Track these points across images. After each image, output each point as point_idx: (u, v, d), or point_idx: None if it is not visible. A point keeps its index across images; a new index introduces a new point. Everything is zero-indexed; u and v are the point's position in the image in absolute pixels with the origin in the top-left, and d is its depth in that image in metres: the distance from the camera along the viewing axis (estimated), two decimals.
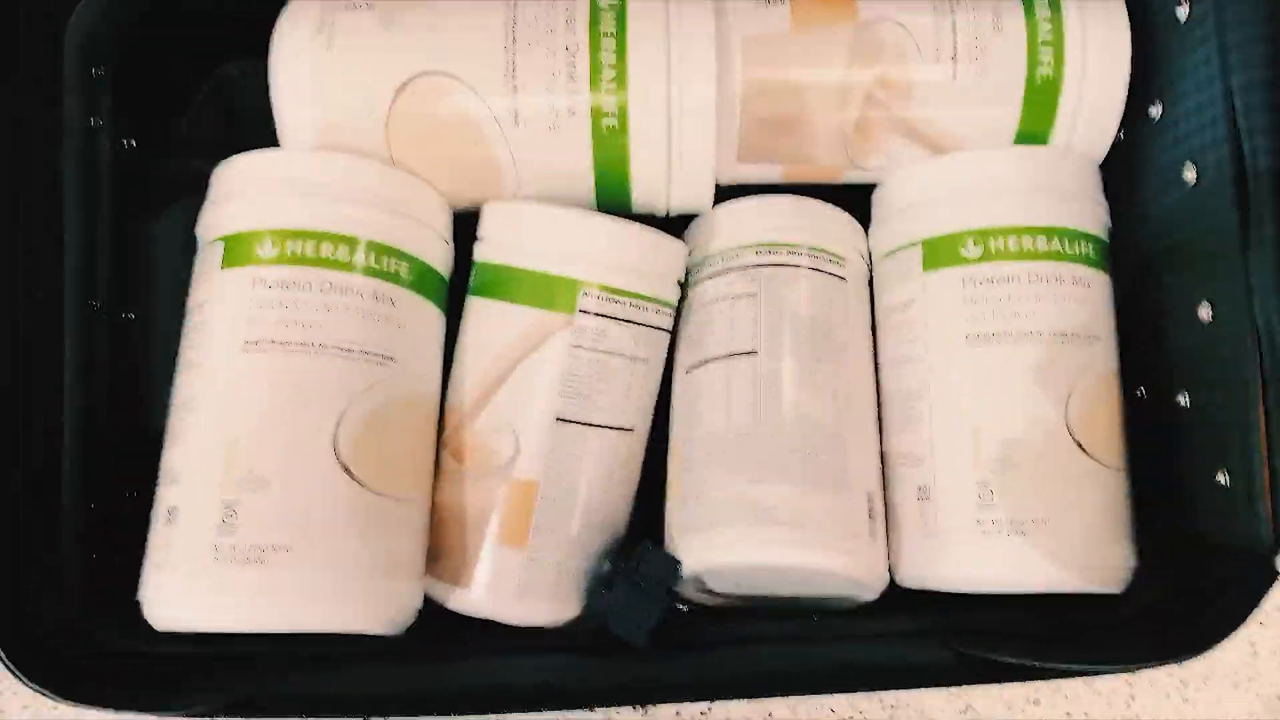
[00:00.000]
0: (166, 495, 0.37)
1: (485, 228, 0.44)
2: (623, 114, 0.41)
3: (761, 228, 0.45)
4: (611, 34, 0.41)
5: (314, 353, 0.38)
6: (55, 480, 0.42)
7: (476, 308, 0.43)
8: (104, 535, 0.44)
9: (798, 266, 0.44)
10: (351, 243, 0.39)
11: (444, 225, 0.44)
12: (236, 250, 0.39)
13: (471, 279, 0.44)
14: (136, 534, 0.45)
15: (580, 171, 0.43)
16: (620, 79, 0.41)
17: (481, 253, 0.44)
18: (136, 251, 0.48)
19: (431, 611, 0.42)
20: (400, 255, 0.40)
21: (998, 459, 0.40)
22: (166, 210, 0.49)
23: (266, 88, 0.51)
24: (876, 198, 0.47)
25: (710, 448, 0.42)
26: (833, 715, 0.52)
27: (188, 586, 0.35)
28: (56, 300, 0.43)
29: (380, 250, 0.40)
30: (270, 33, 0.48)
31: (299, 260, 0.38)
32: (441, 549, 0.42)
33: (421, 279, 0.42)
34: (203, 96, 0.52)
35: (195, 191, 0.50)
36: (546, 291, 0.42)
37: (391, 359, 0.39)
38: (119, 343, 0.47)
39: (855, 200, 0.47)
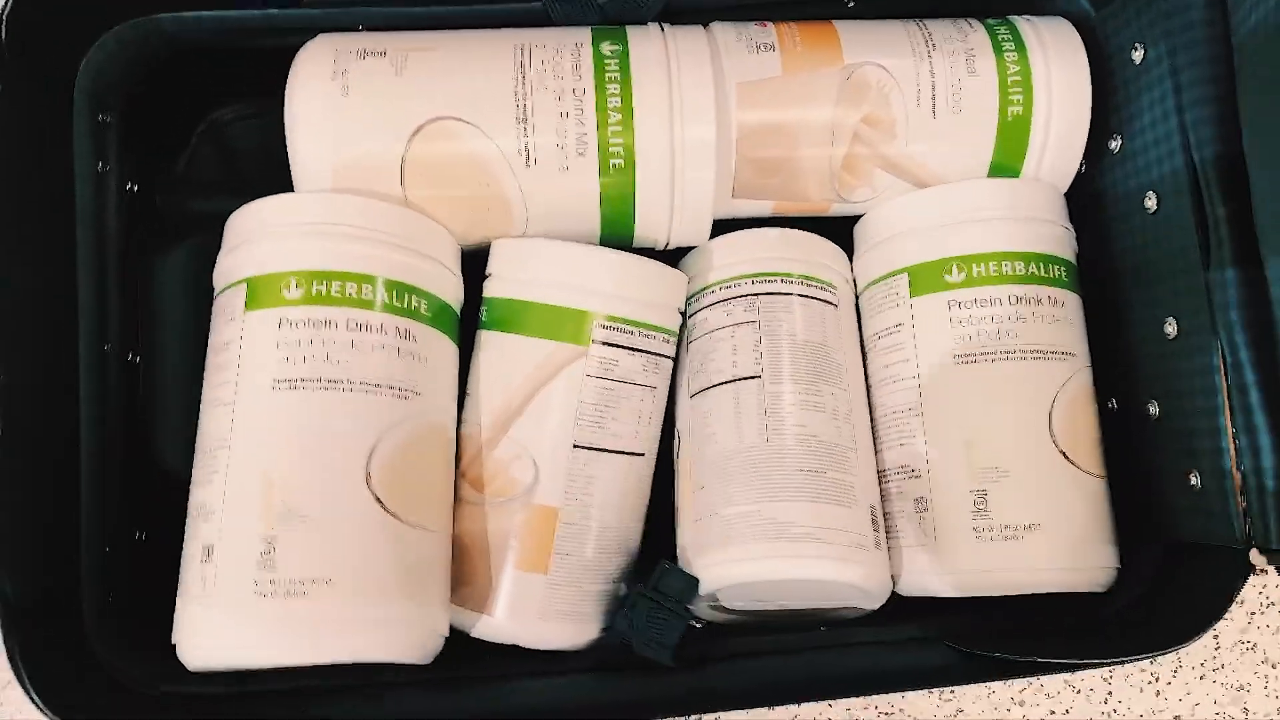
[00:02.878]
0: (200, 533, 0.38)
1: (496, 264, 0.46)
2: (629, 154, 0.43)
3: (757, 258, 0.47)
4: (616, 79, 0.43)
5: (343, 389, 0.39)
6: (74, 524, 0.42)
7: (490, 341, 0.45)
8: (120, 577, 0.44)
9: (793, 294, 0.47)
10: (374, 282, 0.41)
11: (455, 262, 0.45)
12: (262, 292, 0.40)
13: (483, 314, 0.46)
14: (149, 575, 0.45)
15: (588, 209, 0.45)
16: (626, 121, 0.43)
17: (493, 288, 0.46)
18: (141, 294, 0.49)
19: (453, 639, 0.43)
20: (419, 293, 0.42)
21: (990, 469, 0.43)
22: (168, 252, 0.50)
23: (260, 129, 0.53)
24: (860, 229, 0.50)
25: (722, 468, 0.44)
26: None
27: (229, 622, 0.36)
28: (72, 343, 0.43)
29: (401, 288, 0.41)
30: (262, 76, 0.50)
31: (324, 300, 0.40)
32: (462, 577, 0.43)
33: (439, 314, 0.43)
34: (197, 139, 0.53)
35: (194, 233, 0.51)
36: (561, 324, 0.43)
37: (416, 393, 0.41)
38: (129, 385, 0.47)
39: (832, 232, 0.50)
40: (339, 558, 0.37)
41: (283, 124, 0.44)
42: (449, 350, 0.44)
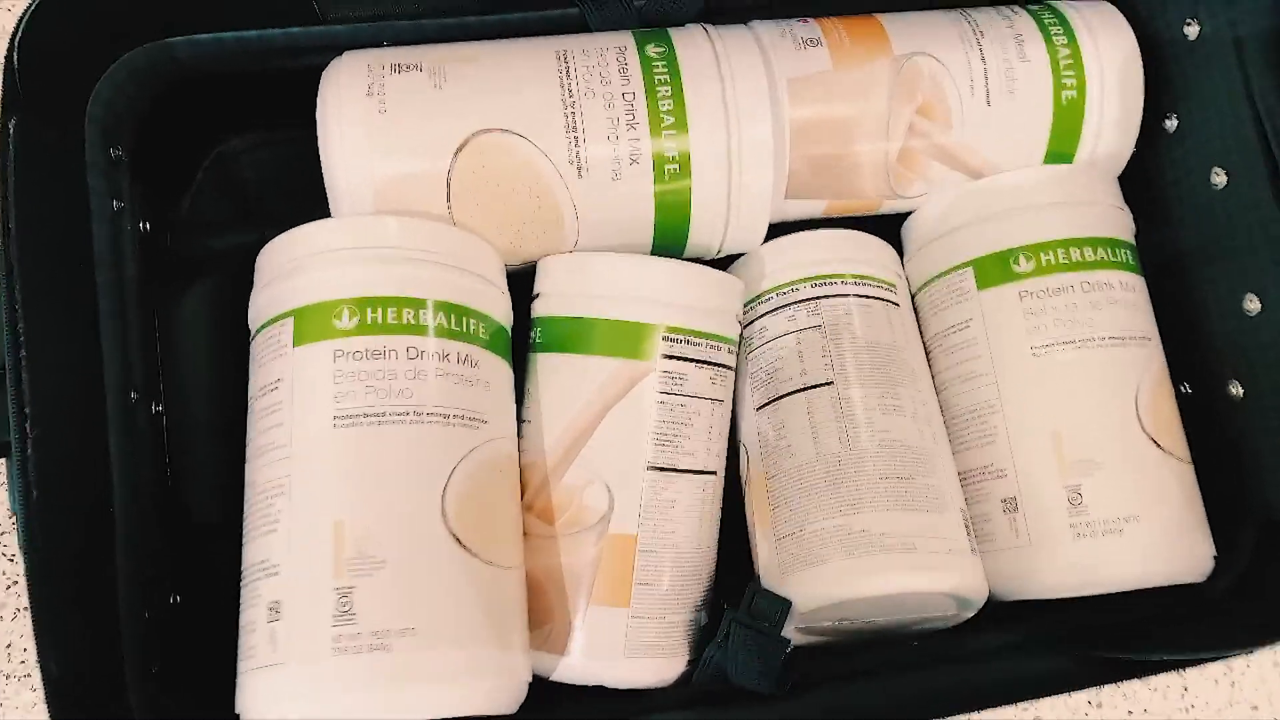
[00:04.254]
0: (264, 591, 0.35)
1: (546, 282, 0.43)
2: (684, 158, 0.41)
3: (814, 261, 0.45)
4: (666, 81, 0.41)
5: (410, 421, 0.36)
6: (113, 591, 0.38)
7: (547, 364, 0.42)
8: (161, 645, 0.40)
9: (855, 296, 0.45)
10: (432, 306, 0.38)
11: (503, 281, 0.43)
12: (311, 324, 0.37)
13: (536, 335, 0.43)
14: (189, 642, 0.42)
15: (642, 218, 0.43)
16: (680, 124, 0.41)
17: (545, 308, 0.43)
18: (160, 339, 0.46)
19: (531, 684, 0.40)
20: (477, 315, 0.39)
21: (1082, 462, 0.41)
22: (183, 295, 0.47)
23: (275, 158, 0.50)
24: (913, 225, 0.49)
25: (801, 482, 0.42)
26: None
27: (308, 684, 0.33)
28: (98, 396, 0.40)
29: (460, 311, 0.39)
30: (274, 102, 0.47)
31: (380, 328, 0.37)
32: (536, 617, 0.40)
33: (495, 337, 0.40)
34: (206, 172, 0.50)
35: (209, 273, 0.48)
36: (624, 339, 0.41)
37: (484, 420, 0.38)
38: (155, 437, 0.44)
39: (873, 233, 0.48)
40: (421, 604, 0.34)
41: (299, 150, 0.42)
42: (507, 374, 0.41)
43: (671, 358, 0.41)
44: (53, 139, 0.39)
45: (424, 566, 0.34)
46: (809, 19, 0.46)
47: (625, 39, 0.43)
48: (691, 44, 0.43)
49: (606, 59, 0.42)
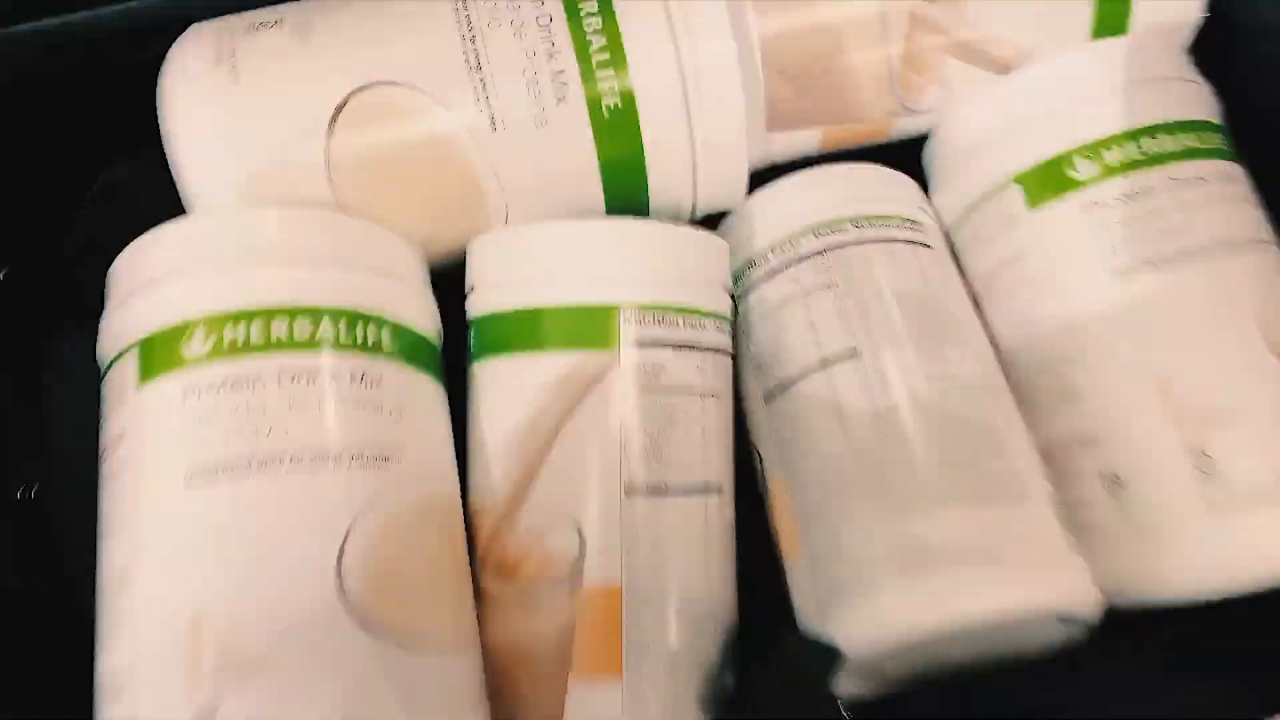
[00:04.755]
0: (111, 714, 0.26)
1: (478, 271, 0.34)
2: (626, 93, 0.32)
3: (814, 206, 0.36)
4: None
5: (287, 469, 0.27)
6: None
7: (487, 372, 0.33)
8: None
9: (873, 241, 0.35)
10: (311, 314, 0.29)
11: (420, 278, 0.34)
12: (158, 355, 0.28)
13: (472, 342, 0.34)
14: None
15: (583, 173, 0.33)
16: (615, 47, 0.32)
17: (479, 304, 0.34)
18: (25, 409, 0.38)
19: None
20: (376, 320, 0.30)
21: (1206, 412, 0.31)
22: (64, 348, 0.39)
23: (163, 187, 0.42)
24: (936, 149, 0.39)
25: (832, 484, 0.32)
26: None
27: None
28: None
29: (351, 318, 0.30)
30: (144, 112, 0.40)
31: (244, 349, 0.28)
32: (505, 704, 0.31)
33: (409, 347, 0.31)
34: (87, 207, 0.42)
35: (93, 322, 0.40)
36: (579, 328, 0.32)
37: (392, 456, 0.29)
38: (21, 528, 0.35)
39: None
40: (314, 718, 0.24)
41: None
42: (430, 393, 0.32)
43: (640, 344, 0.32)
44: None
45: (316, 665, 0.25)
46: None
47: None
48: None
49: None
